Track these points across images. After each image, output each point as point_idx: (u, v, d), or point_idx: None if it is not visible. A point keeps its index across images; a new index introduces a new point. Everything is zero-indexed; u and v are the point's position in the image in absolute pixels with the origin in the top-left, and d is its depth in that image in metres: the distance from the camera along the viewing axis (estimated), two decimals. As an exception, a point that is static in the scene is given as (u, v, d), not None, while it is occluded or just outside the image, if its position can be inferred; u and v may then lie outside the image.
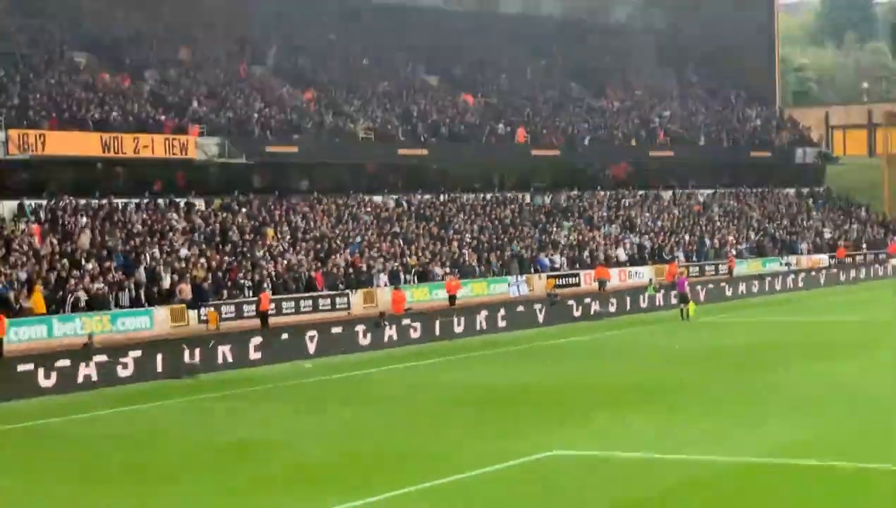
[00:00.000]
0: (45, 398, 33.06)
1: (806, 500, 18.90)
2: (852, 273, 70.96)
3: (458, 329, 46.68)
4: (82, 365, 35.10)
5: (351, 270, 54.45)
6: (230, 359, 38.44)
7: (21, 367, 34.65)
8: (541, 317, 50.67)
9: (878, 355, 36.78)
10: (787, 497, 19.16)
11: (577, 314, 51.97)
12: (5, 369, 34.74)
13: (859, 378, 31.84)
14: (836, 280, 68.76)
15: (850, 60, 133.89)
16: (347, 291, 53.05)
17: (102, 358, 35.84)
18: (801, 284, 65.92)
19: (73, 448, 26.55)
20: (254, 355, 39.34)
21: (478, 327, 47.39)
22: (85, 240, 48.73)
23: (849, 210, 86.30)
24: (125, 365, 35.92)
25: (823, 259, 74.83)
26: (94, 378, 34.92)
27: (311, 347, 41.52)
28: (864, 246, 79.05)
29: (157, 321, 46.18)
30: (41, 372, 34.23)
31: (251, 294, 49.08)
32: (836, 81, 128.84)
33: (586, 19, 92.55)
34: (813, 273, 69.46)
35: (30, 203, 50.08)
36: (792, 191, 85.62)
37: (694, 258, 69.13)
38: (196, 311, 47.25)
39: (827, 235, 79.17)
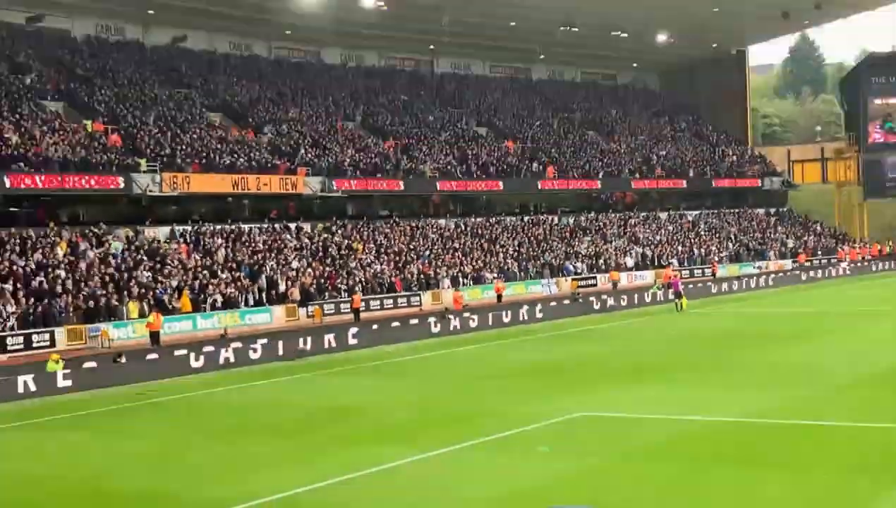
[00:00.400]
0: (195, 375, 33.58)
1: (772, 450, 19.09)
2: (810, 274, 70.57)
3: (506, 319, 46.88)
4: (223, 350, 35.69)
5: (422, 276, 54.91)
6: (333, 345, 38.86)
7: (177, 352, 35.38)
8: (570, 310, 50.81)
9: (831, 338, 36.73)
10: (758, 447, 19.35)
11: (596, 307, 52.03)
12: (165, 354, 35.50)
13: (818, 356, 31.81)
14: (798, 280, 68.38)
15: (806, 109, 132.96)
16: (419, 292, 53.52)
17: (238, 344, 36.49)
18: (770, 283, 65.61)
19: (216, 413, 27.04)
20: (351, 341, 39.69)
21: (520, 318, 47.53)
22: (220, 255, 49.42)
23: (807, 225, 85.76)
24: (255, 350, 36.44)
25: (787, 264, 74.50)
26: (232, 359, 35.42)
27: (400, 333, 41.84)
28: (820, 253, 78.66)
29: (275, 316, 46.81)
30: (192, 355, 34.81)
31: (346, 295, 49.64)
32: (796, 126, 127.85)
33: (599, 82, 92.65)
34: (779, 274, 69.15)
35: (179, 228, 50.77)
36: (762, 211, 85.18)
37: (685, 264, 69.10)
38: (304, 309, 47.82)
39: (790, 245, 78.73)
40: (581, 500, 15.30)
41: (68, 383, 30.98)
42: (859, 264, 76.08)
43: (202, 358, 34.78)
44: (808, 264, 74.41)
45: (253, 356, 36.07)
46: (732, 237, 77.50)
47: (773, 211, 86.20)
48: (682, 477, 17.08)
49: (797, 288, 64.37)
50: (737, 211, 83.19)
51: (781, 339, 36.58)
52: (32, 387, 30.21)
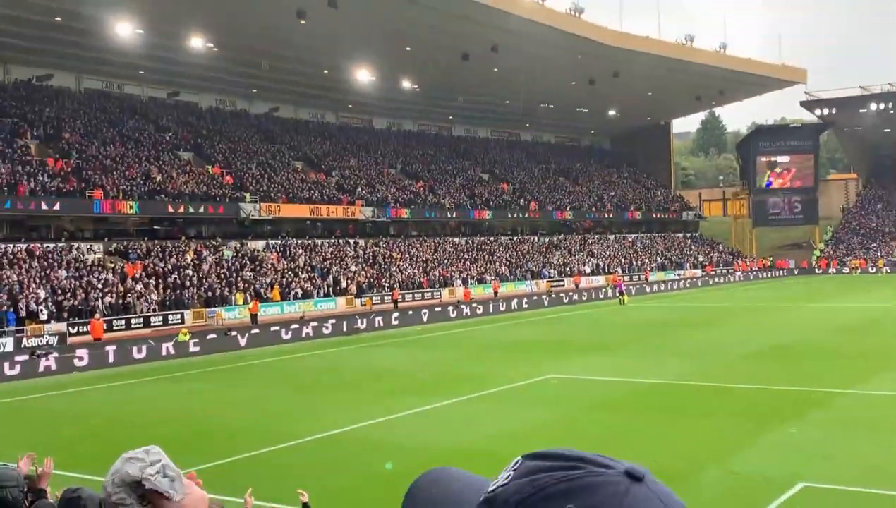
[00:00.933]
0: (283, 345, 33.52)
1: (689, 402, 18.92)
2: (714, 280, 70.20)
3: (501, 309, 46.75)
4: (304, 327, 35.56)
5: (441, 277, 54.71)
6: (380, 324, 38.76)
7: (272, 328, 35.25)
8: (545, 302, 50.62)
9: (729, 325, 36.48)
10: (680, 400, 19.19)
11: (565, 301, 51.87)
12: (262, 330, 35.32)
13: (720, 337, 31.61)
14: (706, 284, 68.06)
15: (713, 164, 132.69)
16: (440, 289, 53.30)
17: (315, 323, 36.34)
18: (686, 286, 65.32)
19: (298, 372, 27.00)
20: (393, 323, 39.60)
21: (511, 308, 47.41)
22: (300, 261, 49.37)
23: (712, 245, 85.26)
24: (327, 327, 36.32)
25: (698, 272, 74.08)
26: (311, 334, 35.28)
27: (424, 317, 41.69)
28: (721, 265, 78.19)
29: (338, 304, 46.56)
30: (283, 331, 34.72)
31: (388, 290, 49.48)
32: (705, 175, 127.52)
33: (567, 143, 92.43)
34: (692, 280, 68.82)
35: (272, 242, 50.75)
36: (680, 235, 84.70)
37: (626, 271, 68.68)
38: (359, 299, 47.67)
39: (700, 259, 78.24)
40: (556, 439, 15.09)
41: (197, 349, 30.99)
42: (749, 274, 75.66)
43: (290, 332, 34.76)
44: (712, 273, 73.94)
45: (325, 332, 36.00)
46: (660, 253, 77.06)
47: (688, 235, 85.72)
48: (629, 421, 16.89)
49: (705, 289, 64.13)
50: (663, 235, 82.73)
51: (694, 325, 36.39)
52: (172, 351, 30.28)
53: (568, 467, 0.91)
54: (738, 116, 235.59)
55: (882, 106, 79.49)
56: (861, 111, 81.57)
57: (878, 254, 79.59)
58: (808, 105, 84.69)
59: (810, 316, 38.80)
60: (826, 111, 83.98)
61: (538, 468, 0.92)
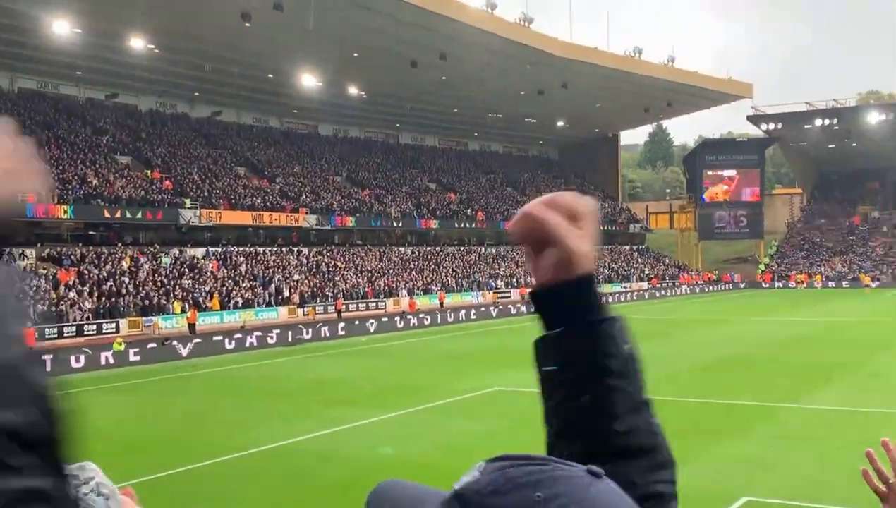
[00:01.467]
0: (227, 355, 33.13)
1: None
2: (660, 293, 71.40)
3: (449, 319, 46.88)
4: (248, 337, 35.26)
5: (387, 287, 54.70)
6: (326, 335, 38.59)
7: (214, 338, 34.84)
8: (493, 313, 50.93)
9: (673, 337, 37.10)
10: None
11: (512, 312, 52.24)
12: (205, 340, 34.84)
13: (666, 350, 32.12)
14: (652, 296, 69.17)
15: (660, 176, 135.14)
16: (385, 299, 53.28)
17: (259, 333, 36.05)
18: (633, 298, 66.29)
19: (240, 383, 26.72)
20: (339, 332, 39.46)
21: (458, 318, 47.57)
22: (242, 269, 48.92)
23: (658, 258, 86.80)
24: (271, 337, 36.06)
25: (644, 285, 75.27)
26: (255, 344, 35.01)
27: (371, 328, 41.61)
28: (667, 278, 79.60)
29: (280, 314, 46.27)
30: (226, 340, 34.36)
31: (332, 299, 49.30)
32: (652, 188, 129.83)
33: (515, 153, 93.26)
34: (639, 292, 69.88)
35: (212, 249, 50.20)
36: (627, 247, 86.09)
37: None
38: (302, 309, 47.41)
39: (646, 271, 79.56)
40: (509, 447, 15.25)
41: (137, 358, 30.55)
42: (695, 287, 77.13)
43: (233, 342, 34.45)
44: (658, 286, 75.21)
45: (269, 342, 35.75)
46: (606, 265, 78.13)
47: (635, 247, 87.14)
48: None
49: (651, 302, 65.16)
50: (609, 247, 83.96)
51: (640, 337, 36.07)
52: (111, 361, 29.84)
53: (535, 463, 1.00)
54: (685, 130, 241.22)
55: (826, 122, 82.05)
56: (806, 127, 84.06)
57: (818, 270, 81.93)
58: (755, 119, 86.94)
59: (755, 329, 39.70)
60: (772, 126, 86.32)
61: (507, 465, 1.00)
